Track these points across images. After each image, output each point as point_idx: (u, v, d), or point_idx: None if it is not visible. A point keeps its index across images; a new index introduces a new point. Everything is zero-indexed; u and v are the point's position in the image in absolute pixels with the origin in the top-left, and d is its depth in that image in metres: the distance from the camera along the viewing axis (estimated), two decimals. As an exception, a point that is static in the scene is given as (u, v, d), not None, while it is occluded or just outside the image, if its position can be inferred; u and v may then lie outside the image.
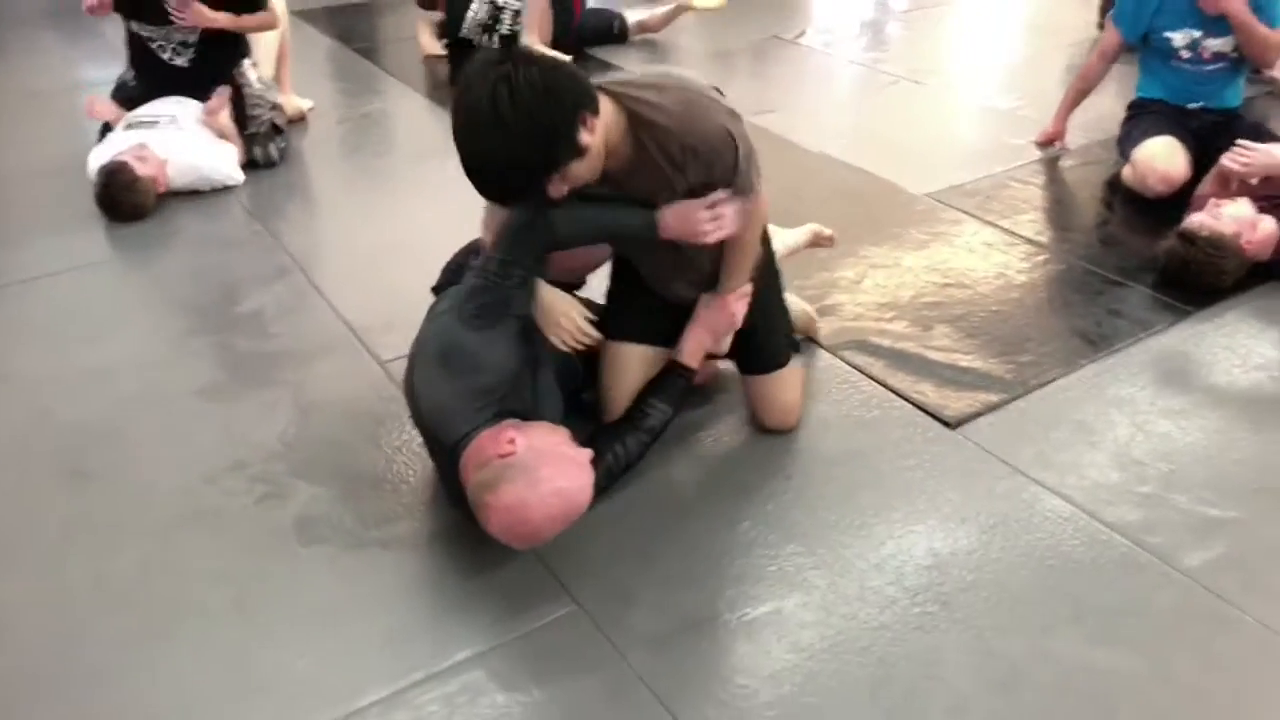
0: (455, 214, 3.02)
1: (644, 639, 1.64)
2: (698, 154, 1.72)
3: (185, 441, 2.10)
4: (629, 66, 4.38)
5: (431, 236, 2.90)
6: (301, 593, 1.73)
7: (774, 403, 2.10)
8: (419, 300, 2.01)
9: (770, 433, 2.12)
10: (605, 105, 1.66)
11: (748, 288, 1.98)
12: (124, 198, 2.95)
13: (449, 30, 4.48)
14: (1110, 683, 1.57)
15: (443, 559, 1.82)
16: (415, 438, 2.07)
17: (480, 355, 1.72)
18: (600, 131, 1.64)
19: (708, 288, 1.98)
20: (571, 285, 2.13)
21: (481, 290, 1.75)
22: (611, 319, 2.06)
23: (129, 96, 3.28)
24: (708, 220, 1.77)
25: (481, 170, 1.61)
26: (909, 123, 3.85)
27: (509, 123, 1.53)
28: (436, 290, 2.09)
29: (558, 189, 1.66)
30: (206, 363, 2.36)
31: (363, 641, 1.64)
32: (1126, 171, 3.20)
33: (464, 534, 1.82)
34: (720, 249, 1.91)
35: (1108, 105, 3.57)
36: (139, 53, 3.28)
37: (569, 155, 1.60)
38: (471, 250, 2.06)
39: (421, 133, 3.78)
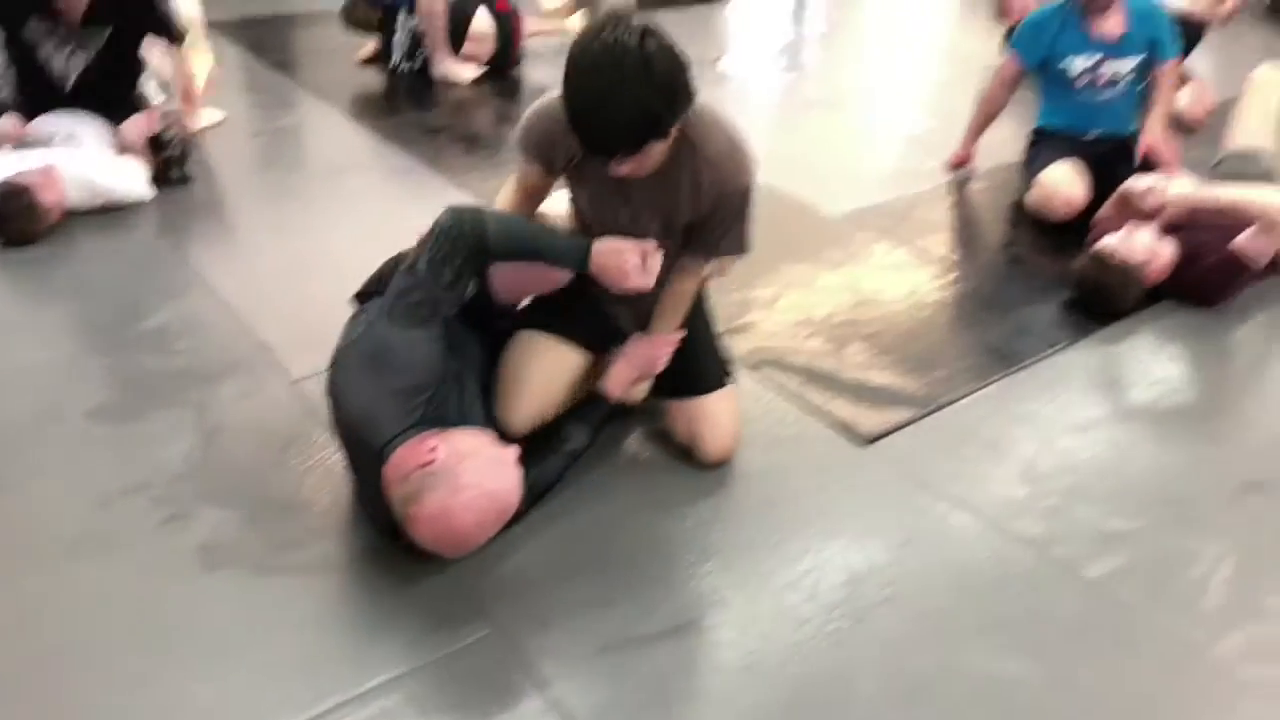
0: (368, 229, 2.98)
1: (562, 661, 1.62)
2: (721, 195, 1.82)
3: (80, 465, 2.01)
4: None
5: (344, 252, 2.85)
6: (206, 620, 1.66)
7: (715, 425, 2.04)
8: (331, 316, 1.97)
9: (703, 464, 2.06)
10: None
11: (678, 335, 2.00)
12: (15, 222, 2.79)
13: (382, 56, 4.45)
14: (1017, 693, 1.61)
15: (356, 582, 1.77)
16: (326, 458, 2.02)
17: (406, 354, 1.70)
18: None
19: (644, 325, 2.01)
20: (507, 310, 2.10)
21: (410, 289, 1.74)
22: (531, 312, 2.07)
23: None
24: (635, 267, 1.79)
25: (607, 110, 1.59)
26: (824, 145, 3.93)
27: (654, 71, 1.58)
28: (359, 297, 2.05)
29: (623, 166, 1.68)
30: (104, 383, 2.26)
31: (272, 669, 1.58)
32: (1031, 196, 3.31)
33: (378, 556, 1.78)
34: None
35: (1013, 129, 3.69)
36: (24, 70, 3.06)
37: (667, 131, 1.66)
38: (399, 261, 2.03)
39: (336, 147, 3.71)
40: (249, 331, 2.46)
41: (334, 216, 3.13)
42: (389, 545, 1.76)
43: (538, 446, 1.92)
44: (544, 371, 1.99)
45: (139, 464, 2.00)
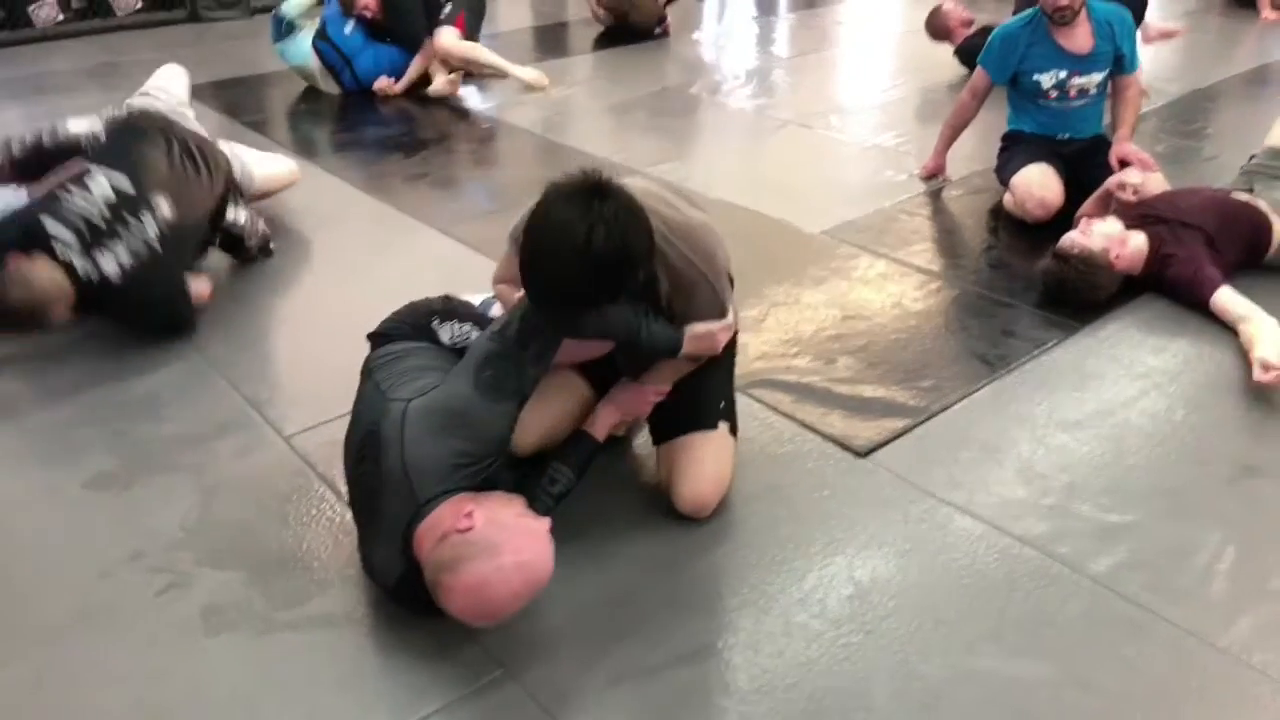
0: (354, 280, 2.99)
1: (573, 697, 1.61)
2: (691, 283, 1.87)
3: (76, 537, 1.99)
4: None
5: (330, 304, 2.86)
6: (210, 686, 1.65)
7: (693, 467, 1.95)
8: (321, 370, 1.98)
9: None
10: None
11: (666, 387, 1.98)
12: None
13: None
14: (1031, 694, 1.60)
15: (363, 632, 1.76)
16: (325, 511, 2.02)
17: (485, 426, 1.70)
18: None
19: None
20: None
21: (499, 358, 1.73)
22: None
23: None
24: (723, 341, 1.91)
25: (543, 283, 1.67)
26: (799, 164, 3.97)
27: (591, 265, 1.60)
28: (373, 338, 2.04)
29: None
30: (96, 452, 2.25)
31: (279, 730, 1.57)
32: (1007, 199, 3.35)
33: (384, 605, 1.77)
34: None
35: (983, 135, 3.73)
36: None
37: (603, 304, 1.73)
38: (433, 311, 2.02)
39: (316, 201, 3.72)
40: (239, 391, 2.46)
41: (317, 270, 3.14)
42: (390, 595, 1.75)
43: (524, 489, 1.89)
44: (557, 401, 2.00)
45: (138, 532, 1.99)
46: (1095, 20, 3.24)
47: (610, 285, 1.67)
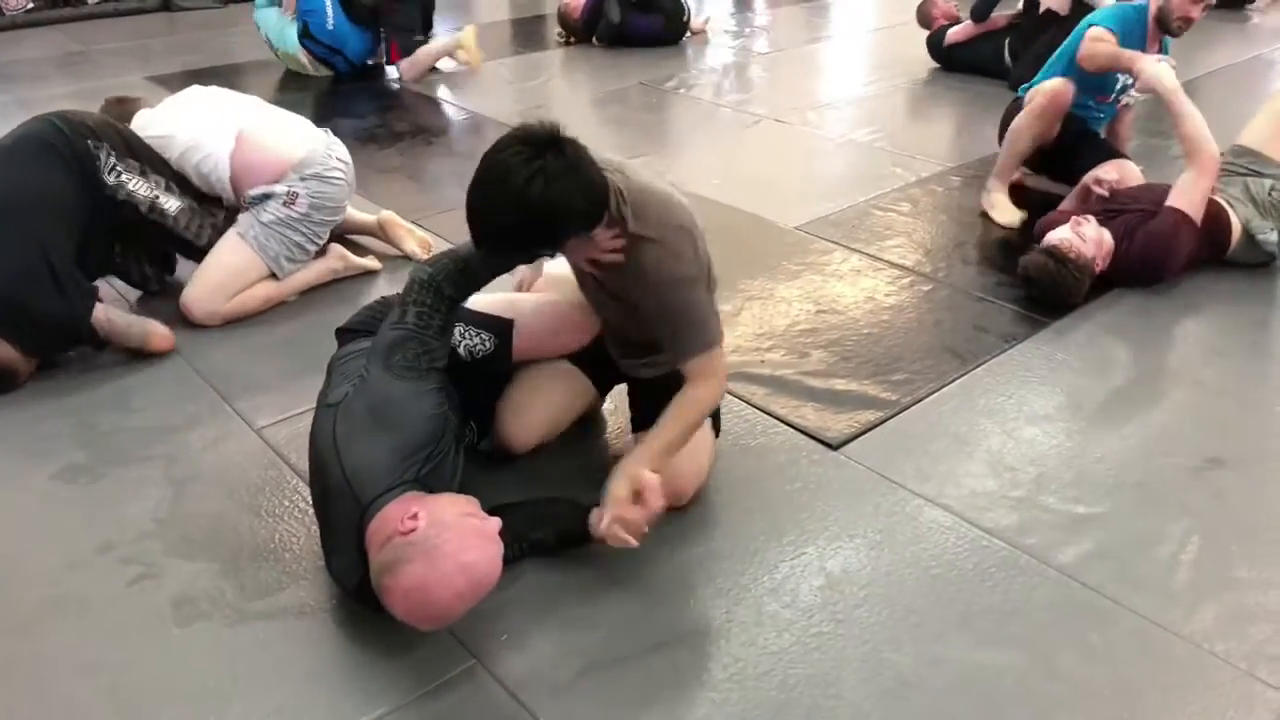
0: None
1: (546, 687, 1.61)
2: (661, 316, 1.79)
3: (46, 528, 1.98)
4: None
5: (298, 297, 2.84)
6: (181, 676, 1.64)
7: (672, 460, 1.84)
8: (290, 361, 1.96)
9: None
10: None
11: (662, 502, 1.75)
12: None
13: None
14: (999, 682, 1.63)
15: (335, 623, 1.75)
16: (297, 504, 2.01)
17: (410, 408, 1.69)
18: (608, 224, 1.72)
19: (648, 366, 1.95)
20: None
21: (404, 341, 1.74)
22: None
23: None
24: None
25: (480, 220, 1.66)
26: (775, 159, 3.99)
27: (528, 207, 1.58)
28: (340, 334, 2.03)
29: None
30: (65, 445, 2.23)
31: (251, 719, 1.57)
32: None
33: (353, 598, 1.77)
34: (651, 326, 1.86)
35: (959, 131, 3.77)
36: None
37: (542, 251, 1.78)
38: (387, 302, 2.02)
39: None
40: (209, 382, 2.44)
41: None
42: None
43: (508, 523, 1.75)
44: (556, 394, 1.99)
45: (108, 523, 1.98)
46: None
47: (542, 236, 1.66)
